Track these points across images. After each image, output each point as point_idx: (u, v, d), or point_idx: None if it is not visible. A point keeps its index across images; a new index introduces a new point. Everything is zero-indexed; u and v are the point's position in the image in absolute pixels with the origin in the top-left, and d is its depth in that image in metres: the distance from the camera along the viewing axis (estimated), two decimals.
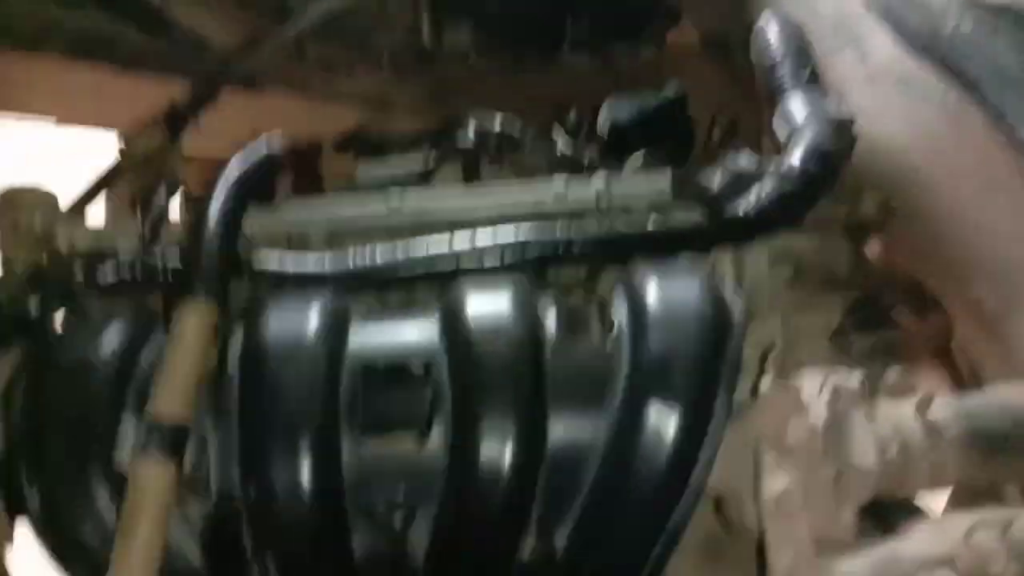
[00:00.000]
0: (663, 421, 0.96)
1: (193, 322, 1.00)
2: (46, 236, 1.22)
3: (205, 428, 0.99)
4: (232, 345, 1.05)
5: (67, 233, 1.23)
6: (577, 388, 1.01)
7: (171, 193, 1.27)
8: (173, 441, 0.90)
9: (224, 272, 1.06)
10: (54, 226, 1.22)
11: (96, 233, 1.26)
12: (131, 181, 1.46)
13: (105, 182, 1.46)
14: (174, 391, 0.94)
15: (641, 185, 1.26)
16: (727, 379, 0.99)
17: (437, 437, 0.98)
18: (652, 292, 1.05)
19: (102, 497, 0.97)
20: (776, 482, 0.93)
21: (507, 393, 0.98)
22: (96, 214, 1.55)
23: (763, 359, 1.09)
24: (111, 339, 1.07)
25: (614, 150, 1.44)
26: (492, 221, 1.23)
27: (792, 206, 1.19)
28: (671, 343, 1.00)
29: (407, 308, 1.17)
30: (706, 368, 0.99)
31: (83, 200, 1.45)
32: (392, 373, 1.08)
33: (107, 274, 1.13)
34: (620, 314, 1.06)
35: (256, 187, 1.20)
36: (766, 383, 1.03)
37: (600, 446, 0.98)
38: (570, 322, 1.10)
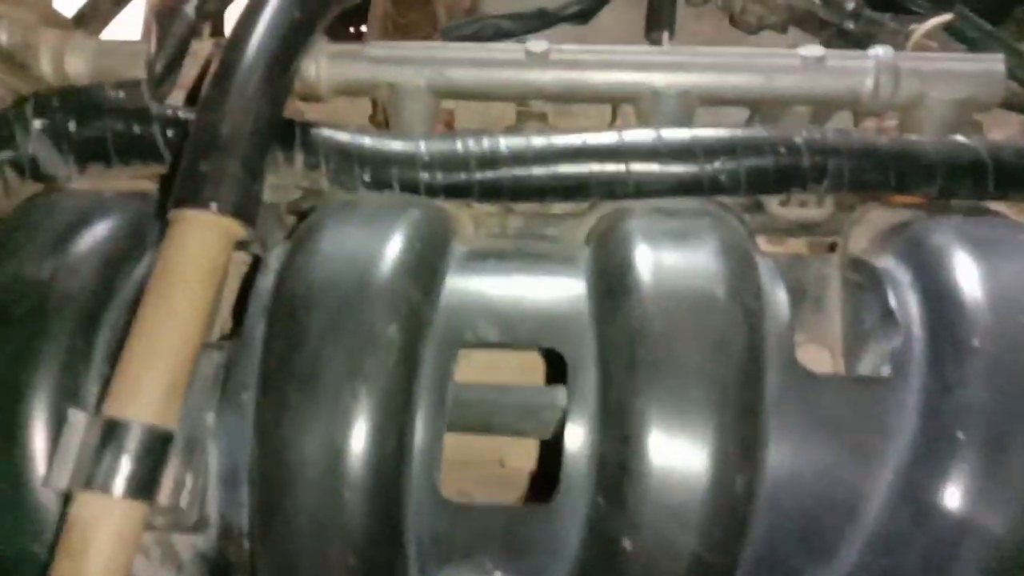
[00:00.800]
0: (973, 534, 0.54)
1: (194, 247, 0.60)
2: (23, 53, 0.81)
3: (200, 427, 0.62)
4: (259, 284, 0.66)
5: (53, 51, 0.82)
6: (819, 413, 0.60)
7: (205, 2, 0.83)
8: (143, 464, 0.53)
9: (256, 154, 0.64)
10: (33, 38, 0.82)
11: (100, 54, 0.84)
12: None
13: None
14: (151, 377, 0.55)
15: (945, 70, 0.76)
16: None
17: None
18: (973, 274, 0.59)
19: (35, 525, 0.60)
20: None
21: (700, 402, 0.56)
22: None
23: None
24: (79, 248, 0.66)
25: (890, 2, 0.91)
26: (684, 105, 0.77)
27: None
28: (1012, 389, 0.55)
29: (535, 242, 0.74)
30: None
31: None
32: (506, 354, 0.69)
33: (88, 126, 0.73)
34: (905, 301, 0.61)
35: (326, 7, 0.75)
36: None
37: (849, 518, 0.57)
38: (800, 293, 0.67)
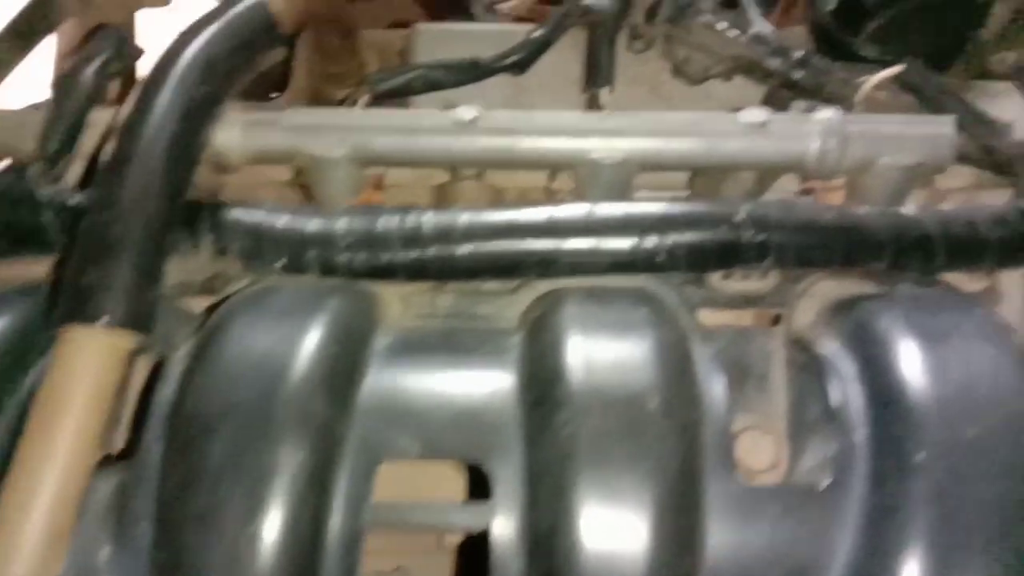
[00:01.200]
0: None
1: (81, 369, 0.54)
2: None
3: (91, 566, 0.57)
4: (157, 396, 0.61)
5: None
6: (758, 531, 0.56)
7: (116, 59, 0.77)
8: None
9: (152, 254, 0.58)
10: None
11: None
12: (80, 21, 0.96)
13: (33, 17, 0.94)
14: (30, 528, 0.50)
15: (894, 134, 0.72)
16: None
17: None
18: (921, 378, 0.56)
19: None
20: None
21: (633, 535, 0.52)
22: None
23: None
24: None
25: (838, 45, 0.87)
26: (623, 172, 0.73)
27: None
28: (955, 515, 0.52)
29: (465, 324, 0.70)
30: None
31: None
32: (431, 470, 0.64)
33: None
34: (849, 400, 0.58)
35: (239, 67, 0.70)
36: None
37: None
38: (742, 371, 0.64)
